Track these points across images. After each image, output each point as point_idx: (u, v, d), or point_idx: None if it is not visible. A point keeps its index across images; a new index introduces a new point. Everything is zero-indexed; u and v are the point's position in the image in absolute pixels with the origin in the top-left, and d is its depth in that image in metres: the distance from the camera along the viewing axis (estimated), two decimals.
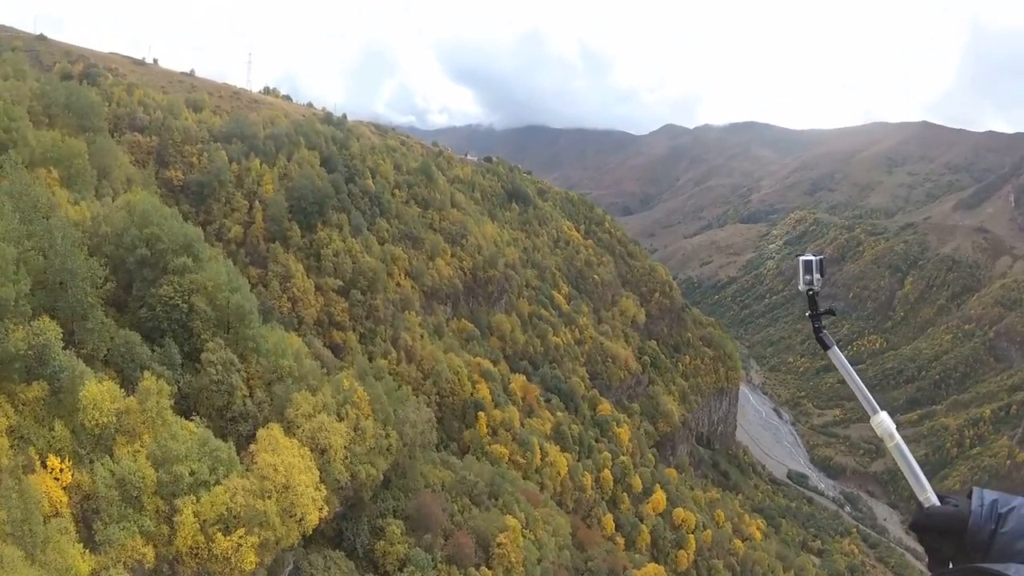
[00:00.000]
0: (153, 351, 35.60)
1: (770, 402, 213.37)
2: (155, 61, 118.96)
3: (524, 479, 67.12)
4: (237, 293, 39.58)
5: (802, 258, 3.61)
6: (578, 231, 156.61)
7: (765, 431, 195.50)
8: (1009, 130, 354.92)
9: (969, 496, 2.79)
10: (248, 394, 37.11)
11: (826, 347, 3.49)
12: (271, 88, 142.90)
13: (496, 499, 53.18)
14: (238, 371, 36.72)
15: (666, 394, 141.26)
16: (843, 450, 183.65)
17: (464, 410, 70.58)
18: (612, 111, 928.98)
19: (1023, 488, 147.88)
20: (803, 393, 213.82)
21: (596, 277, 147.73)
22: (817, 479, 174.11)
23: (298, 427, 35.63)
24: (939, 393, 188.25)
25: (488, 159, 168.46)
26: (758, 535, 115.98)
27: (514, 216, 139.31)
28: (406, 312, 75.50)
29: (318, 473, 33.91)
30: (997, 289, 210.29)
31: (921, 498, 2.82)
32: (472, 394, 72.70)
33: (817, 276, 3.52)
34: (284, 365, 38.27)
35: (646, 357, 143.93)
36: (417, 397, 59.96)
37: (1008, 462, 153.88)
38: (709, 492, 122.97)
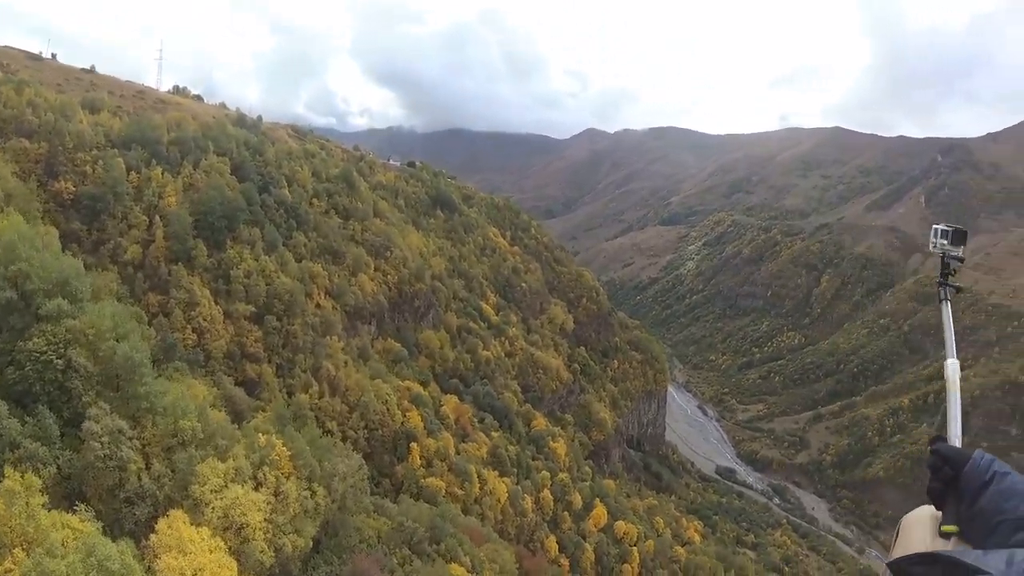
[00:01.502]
0: (24, 423, 29.15)
1: (695, 400, 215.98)
2: (53, 56, 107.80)
3: (464, 513, 62.66)
4: (124, 341, 33.46)
5: (936, 226, 4.25)
6: (504, 238, 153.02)
7: (692, 429, 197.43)
8: (919, 135, 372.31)
9: None
10: (145, 466, 30.99)
11: (939, 300, 4.17)
12: (181, 87, 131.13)
13: (438, 544, 48.55)
14: (130, 440, 30.51)
15: (597, 401, 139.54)
16: (768, 443, 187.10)
17: (395, 442, 65.39)
18: (534, 115, 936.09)
19: None
20: (726, 390, 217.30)
21: (524, 285, 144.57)
22: (745, 473, 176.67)
23: (207, 505, 29.90)
24: (858, 385, 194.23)
25: (412, 164, 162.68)
26: (697, 537, 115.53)
27: (439, 224, 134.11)
28: (328, 337, 69.45)
29: (236, 565, 28.37)
30: (910, 285, 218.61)
31: (949, 435, 3.13)
32: (403, 424, 67.60)
33: (943, 242, 4.12)
34: (185, 427, 32.32)
35: (576, 365, 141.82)
36: (344, 441, 54.76)
37: (929, 448, 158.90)
38: (646, 499, 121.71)
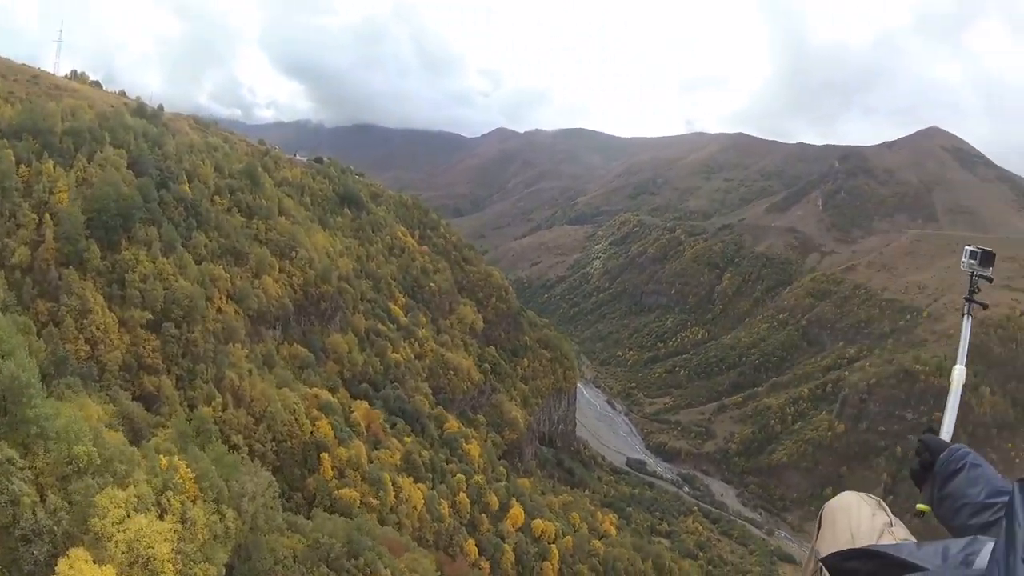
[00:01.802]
0: None
1: (603, 395, 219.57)
2: None
3: (380, 523, 60.97)
4: (10, 358, 30.34)
5: (967, 247, 4.55)
6: (413, 237, 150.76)
7: (601, 423, 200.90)
8: (818, 142, 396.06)
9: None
10: (39, 499, 28.04)
11: (964, 314, 4.49)
12: (79, 72, 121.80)
13: (357, 558, 46.93)
14: (21, 471, 27.53)
15: (509, 400, 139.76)
16: (676, 435, 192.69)
17: (305, 454, 62.84)
18: (445, 112, 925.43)
19: (844, 456, 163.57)
20: (633, 384, 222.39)
21: (433, 285, 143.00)
22: (655, 464, 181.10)
23: (109, 539, 27.28)
24: (760, 377, 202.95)
25: (319, 159, 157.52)
26: (613, 530, 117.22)
27: (346, 222, 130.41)
28: (230, 344, 65.95)
29: None
30: (808, 282, 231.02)
31: (941, 429, 3.44)
32: (312, 434, 65.11)
33: (972, 262, 4.43)
34: (80, 453, 29.50)
35: (487, 364, 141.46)
36: (251, 455, 52.10)
37: (829, 434, 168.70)
38: (561, 495, 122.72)
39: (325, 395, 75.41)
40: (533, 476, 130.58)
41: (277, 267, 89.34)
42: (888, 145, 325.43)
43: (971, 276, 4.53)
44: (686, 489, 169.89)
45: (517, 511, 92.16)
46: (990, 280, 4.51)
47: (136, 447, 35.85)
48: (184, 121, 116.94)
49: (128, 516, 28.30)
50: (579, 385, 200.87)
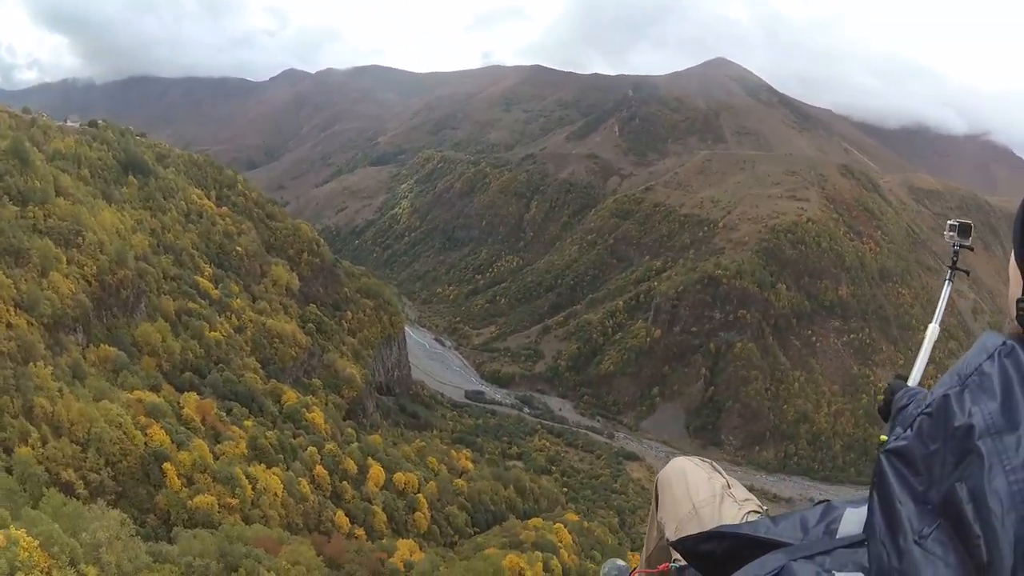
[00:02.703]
0: None
1: (430, 333, 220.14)
2: None
3: (247, 523, 56.27)
4: None
5: (948, 222, 4.76)
6: (210, 199, 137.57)
7: (433, 362, 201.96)
8: (612, 72, 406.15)
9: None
10: None
11: (947, 279, 4.75)
12: None
13: (236, 570, 42.85)
14: None
15: (341, 358, 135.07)
16: (507, 361, 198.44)
17: (145, 469, 55.55)
18: (228, 56, 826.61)
19: (664, 358, 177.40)
20: (458, 318, 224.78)
21: (239, 249, 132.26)
22: (492, 392, 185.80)
23: None
24: (577, 295, 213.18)
25: (93, 123, 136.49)
26: (470, 465, 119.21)
27: (133, 192, 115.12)
28: (31, 364, 56.02)
29: None
30: (611, 204, 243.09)
31: (911, 377, 3.60)
32: (147, 444, 57.81)
33: (952, 234, 4.65)
34: None
35: (311, 324, 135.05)
36: (87, 488, 45.00)
37: (648, 339, 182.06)
38: (413, 443, 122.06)
39: (149, 397, 67.13)
40: (380, 428, 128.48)
41: (64, 259, 76.68)
42: (677, 76, 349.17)
43: (953, 247, 4.70)
44: (526, 410, 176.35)
45: (377, 470, 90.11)
46: (971, 249, 4.70)
47: None
48: None
49: None
50: (406, 328, 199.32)
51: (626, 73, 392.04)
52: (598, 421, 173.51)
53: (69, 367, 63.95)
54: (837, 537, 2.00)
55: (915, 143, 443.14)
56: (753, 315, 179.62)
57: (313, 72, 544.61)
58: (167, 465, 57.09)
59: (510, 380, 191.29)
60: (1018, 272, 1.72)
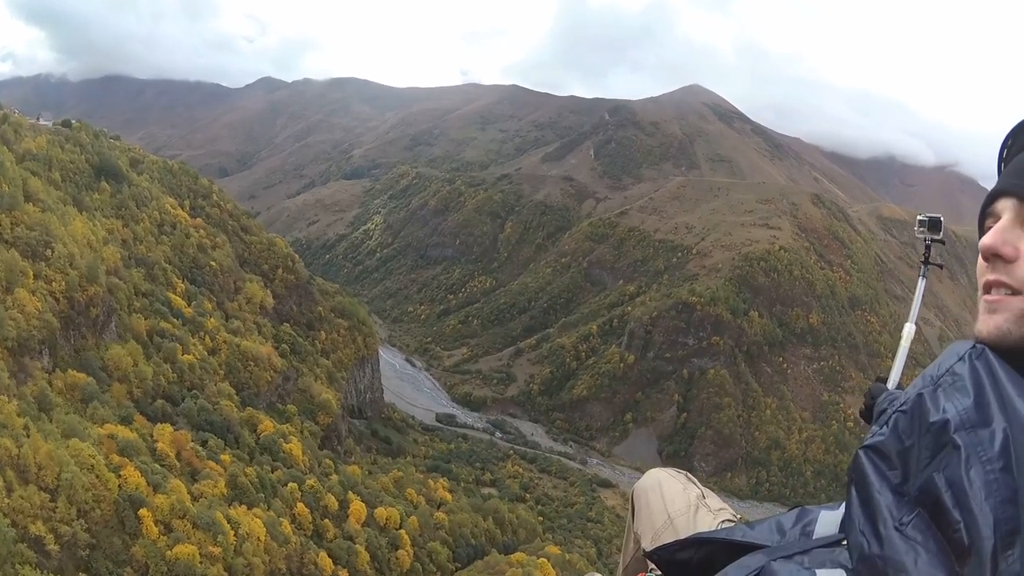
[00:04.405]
0: None
1: (400, 353, 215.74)
2: None
3: (229, 573, 52.35)
4: None
5: (918, 217, 4.60)
6: (184, 208, 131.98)
7: (404, 383, 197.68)
8: (589, 95, 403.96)
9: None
10: None
11: (920, 275, 4.59)
12: None
13: None
14: None
15: (315, 381, 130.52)
16: (479, 383, 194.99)
17: (120, 516, 50.99)
18: (205, 60, 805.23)
19: (638, 383, 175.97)
20: (429, 338, 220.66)
21: (213, 264, 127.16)
22: (464, 415, 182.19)
23: None
24: (550, 318, 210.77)
25: (67, 123, 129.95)
26: (448, 495, 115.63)
27: (105, 199, 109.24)
28: None
29: None
30: (586, 227, 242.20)
31: (889, 378, 3.54)
32: (121, 487, 53.43)
33: (923, 229, 4.46)
34: None
35: (284, 345, 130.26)
36: (57, 542, 40.72)
37: (621, 365, 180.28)
38: (391, 471, 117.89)
39: (122, 431, 62.48)
40: (354, 455, 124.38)
41: (31, 273, 71.34)
42: (654, 100, 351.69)
43: (925, 242, 4.45)
44: (498, 435, 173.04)
45: (358, 505, 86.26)
46: (943, 243, 4.44)
47: None
48: None
49: None
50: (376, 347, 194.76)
51: (603, 96, 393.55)
52: (570, 446, 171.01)
53: (35, 398, 59.09)
54: (814, 538, 2.05)
55: (883, 173, 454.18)
56: (726, 342, 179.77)
57: (290, 81, 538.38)
58: (143, 511, 52.69)
59: (482, 403, 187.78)
60: (983, 264, 1.85)
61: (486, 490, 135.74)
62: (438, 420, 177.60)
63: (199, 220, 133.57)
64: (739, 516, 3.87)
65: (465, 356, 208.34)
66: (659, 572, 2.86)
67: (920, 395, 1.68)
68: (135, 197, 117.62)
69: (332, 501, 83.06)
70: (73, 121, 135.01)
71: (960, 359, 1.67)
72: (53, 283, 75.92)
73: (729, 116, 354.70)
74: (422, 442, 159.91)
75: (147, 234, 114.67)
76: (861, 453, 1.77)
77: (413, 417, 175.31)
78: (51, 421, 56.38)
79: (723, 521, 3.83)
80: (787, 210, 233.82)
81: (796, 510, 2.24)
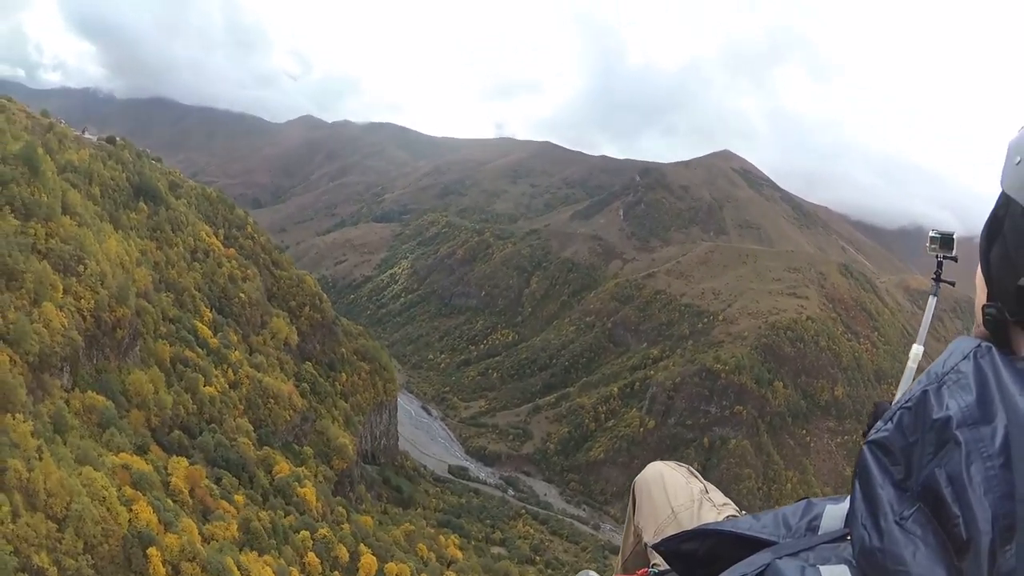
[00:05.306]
0: None
1: (417, 400, 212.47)
2: None
3: None
4: None
5: (930, 233, 4.70)
6: (218, 237, 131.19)
7: (419, 430, 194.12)
8: (620, 156, 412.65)
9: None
10: None
11: (932, 293, 4.68)
12: None
13: None
14: None
15: (333, 423, 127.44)
16: (494, 438, 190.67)
17: (127, 553, 48.14)
18: (249, 93, 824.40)
19: (657, 449, 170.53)
20: (447, 388, 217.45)
21: (242, 295, 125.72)
22: (476, 469, 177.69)
23: None
24: (570, 377, 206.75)
25: (111, 139, 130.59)
26: (458, 553, 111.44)
27: (142, 220, 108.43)
28: (8, 415, 49.04)
29: None
30: (612, 287, 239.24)
31: (895, 399, 3.69)
32: (131, 522, 50.70)
33: (934, 246, 4.60)
34: None
35: (305, 384, 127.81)
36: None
37: (641, 429, 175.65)
38: (402, 524, 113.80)
39: (137, 463, 59.99)
40: (365, 502, 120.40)
41: (61, 288, 69.57)
42: (684, 164, 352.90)
43: (936, 259, 4.58)
44: (511, 492, 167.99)
45: (368, 559, 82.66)
46: (955, 260, 4.48)
47: None
48: None
49: None
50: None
51: (633, 158, 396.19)
52: (584, 510, 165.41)
53: (51, 418, 56.79)
54: (819, 533, 2.04)
55: (911, 243, 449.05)
56: (749, 411, 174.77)
57: (329, 121, 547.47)
58: (152, 550, 49.79)
59: (496, 459, 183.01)
60: (983, 282, 1.92)
61: (496, 549, 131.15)
62: (450, 472, 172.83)
63: (232, 251, 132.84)
64: (742, 512, 3.71)
65: (482, 409, 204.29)
66: (663, 566, 2.87)
67: (925, 392, 1.69)
68: (171, 220, 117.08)
69: (343, 552, 79.48)
70: (117, 138, 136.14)
71: (965, 357, 1.69)
72: (82, 300, 74.10)
73: (758, 182, 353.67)
74: (433, 493, 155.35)
75: (180, 259, 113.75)
76: (865, 448, 1.79)
77: (425, 467, 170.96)
78: (65, 444, 54.10)
79: (727, 516, 3.71)
80: (815, 279, 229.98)
81: (802, 502, 2.23)
